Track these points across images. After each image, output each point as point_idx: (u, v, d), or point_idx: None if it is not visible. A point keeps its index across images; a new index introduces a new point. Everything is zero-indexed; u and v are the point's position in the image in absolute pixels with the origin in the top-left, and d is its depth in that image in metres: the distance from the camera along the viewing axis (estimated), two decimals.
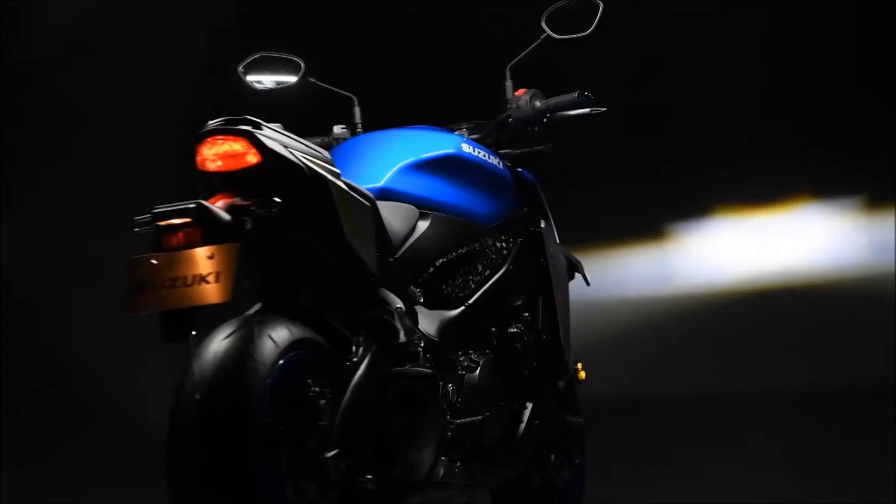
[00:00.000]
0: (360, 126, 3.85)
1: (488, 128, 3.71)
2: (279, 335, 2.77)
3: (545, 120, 3.64)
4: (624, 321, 7.39)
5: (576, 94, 3.60)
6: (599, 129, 6.40)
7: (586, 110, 3.61)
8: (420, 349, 3.08)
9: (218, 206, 2.74)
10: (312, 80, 3.84)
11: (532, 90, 3.66)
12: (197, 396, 2.64)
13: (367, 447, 2.94)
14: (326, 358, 2.91)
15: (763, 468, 5.14)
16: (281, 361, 2.73)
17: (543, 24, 3.66)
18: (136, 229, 2.81)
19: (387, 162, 3.36)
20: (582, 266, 3.90)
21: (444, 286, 3.39)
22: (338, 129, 3.80)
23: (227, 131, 2.82)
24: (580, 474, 4.00)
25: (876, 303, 7.03)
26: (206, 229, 2.71)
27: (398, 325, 3.04)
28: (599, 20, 3.56)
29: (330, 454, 2.80)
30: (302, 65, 3.83)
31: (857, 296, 7.15)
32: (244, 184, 2.82)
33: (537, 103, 3.64)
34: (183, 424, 2.66)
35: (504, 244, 3.60)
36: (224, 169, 2.83)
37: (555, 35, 3.64)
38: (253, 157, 2.81)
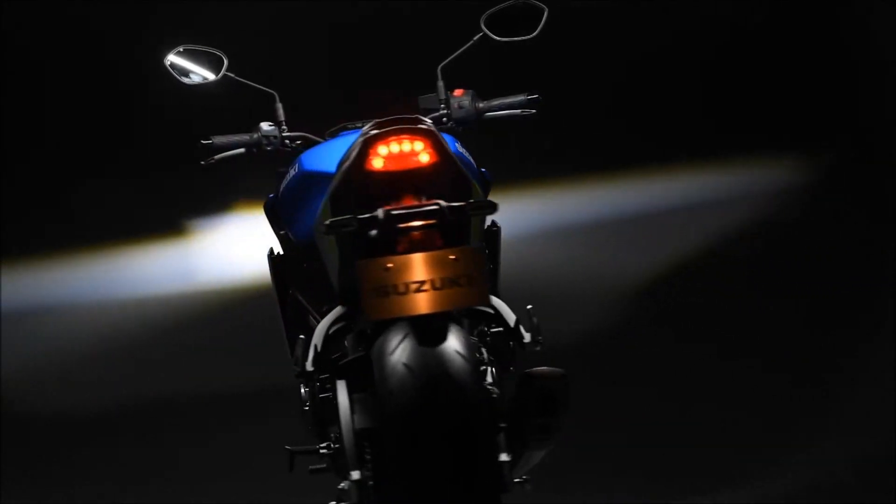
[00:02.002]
0: (284, 123, 3.76)
1: None
2: (466, 337, 2.77)
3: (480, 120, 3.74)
4: (147, 321, 7.29)
5: (525, 96, 3.73)
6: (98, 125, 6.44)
7: (517, 111, 3.74)
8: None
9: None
10: (231, 74, 3.71)
11: (470, 90, 3.73)
12: (441, 403, 2.65)
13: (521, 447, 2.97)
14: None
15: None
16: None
17: (483, 26, 3.73)
18: (334, 230, 2.72)
19: None
20: None
21: None
22: (266, 127, 3.70)
23: (412, 130, 2.77)
24: None
25: None
26: (445, 231, 2.67)
27: (521, 328, 3.06)
28: (545, 24, 3.70)
29: (507, 456, 2.83)
30: (224, 59, 3.71)
31: None
32: (411, 184, 2.78)
33: (479, 104, 3.73)
34: (421, 425, 2.62)
35: (484, 243, 3.67)
36: (390, 168, 2.78)
37: (496, 37, 3.72)
38: (426, 157, 2.79)
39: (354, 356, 3.01)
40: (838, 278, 6.27)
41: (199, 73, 3.70)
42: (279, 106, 3.74)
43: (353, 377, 2.97)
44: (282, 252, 3.80)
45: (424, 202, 2.71)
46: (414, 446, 2.64)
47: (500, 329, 3.09)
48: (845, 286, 6.23)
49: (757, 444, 5.54)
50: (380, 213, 2.72)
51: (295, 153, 3.76)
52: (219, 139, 3.66)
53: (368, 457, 2.84)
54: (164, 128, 6.48)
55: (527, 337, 3.01)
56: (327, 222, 2.75)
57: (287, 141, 3.73)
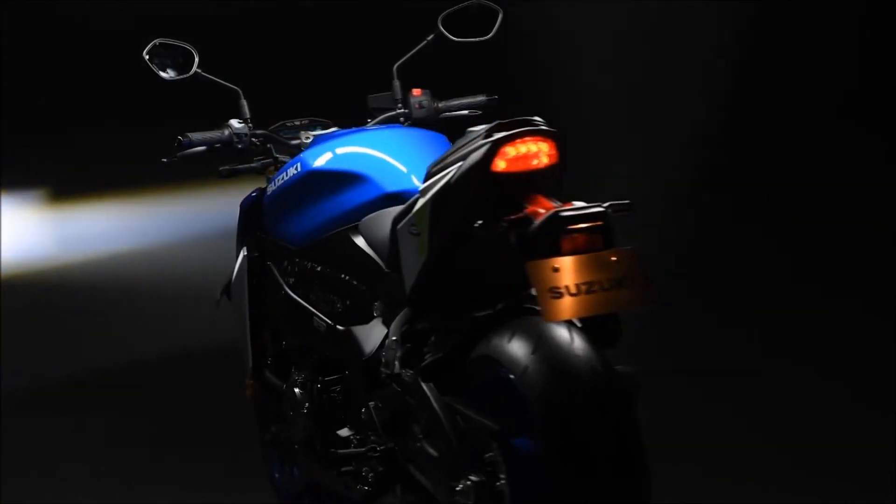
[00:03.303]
0: (249, 120, 3.66)
1: (375, 124, 3.68)
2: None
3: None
4: None
5: (484, 96, 3.75)
6: None
7: (465, 112, 3.77)
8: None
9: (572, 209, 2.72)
10: (200, 70, 3.56)
11: (427, 90, 3.72)
12: (594, 401, 2.66)
13: None
14: None
15: None
16: None
17: (440, 26, 3.72)
18: (480, 234, 2.69)
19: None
20: None
21: None
22: (237, 125, 3.60)
23: (540, 132, 2.77)
24: None
25: (66, 293, 7.20)
26: (606, 232, 2.70)
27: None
28: (500, 26, 3.73)
29: None
30: (195, 55, 3.61)
31: (46, 286, 7.24)
32: (530, 185, 2.79)
33: (438, 104, 3.72)
34: (580, 424, 2.64)
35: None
36: (510, 170, 2.77)
37: (452, 37, 3.72)
38: (546, 159, 2.79)
39: (434, 358, 2.96)
40: None
41: (174, 69, 3.61)
42: (244, 102, 3.67)
43: (437, 378, 2.93)
44: (249, 253, 3.67)
45: (590, 204, 2.71)
46: (576, 446, 2.62)
47: None
48: None
49: None
50: (534, 214, 2.69)
51: (257, 151, 3.66)
52: (195, 136, 3.56)
53: (494, 457, 2.79)
54: None
55: None
56: (477, 224, 2.70)
57: (254, 139, 3.61)
